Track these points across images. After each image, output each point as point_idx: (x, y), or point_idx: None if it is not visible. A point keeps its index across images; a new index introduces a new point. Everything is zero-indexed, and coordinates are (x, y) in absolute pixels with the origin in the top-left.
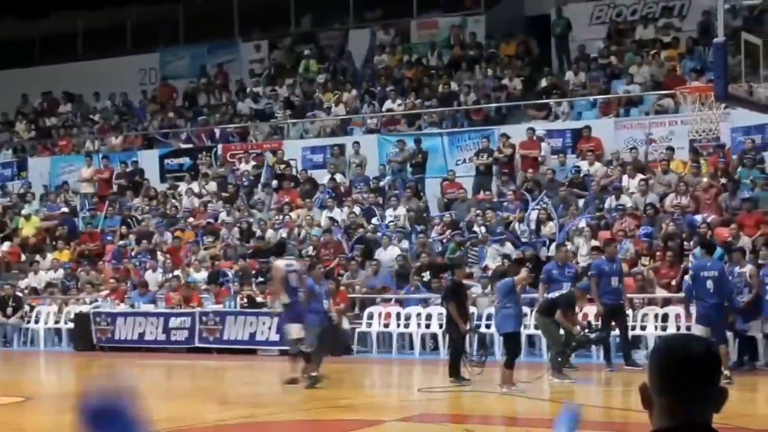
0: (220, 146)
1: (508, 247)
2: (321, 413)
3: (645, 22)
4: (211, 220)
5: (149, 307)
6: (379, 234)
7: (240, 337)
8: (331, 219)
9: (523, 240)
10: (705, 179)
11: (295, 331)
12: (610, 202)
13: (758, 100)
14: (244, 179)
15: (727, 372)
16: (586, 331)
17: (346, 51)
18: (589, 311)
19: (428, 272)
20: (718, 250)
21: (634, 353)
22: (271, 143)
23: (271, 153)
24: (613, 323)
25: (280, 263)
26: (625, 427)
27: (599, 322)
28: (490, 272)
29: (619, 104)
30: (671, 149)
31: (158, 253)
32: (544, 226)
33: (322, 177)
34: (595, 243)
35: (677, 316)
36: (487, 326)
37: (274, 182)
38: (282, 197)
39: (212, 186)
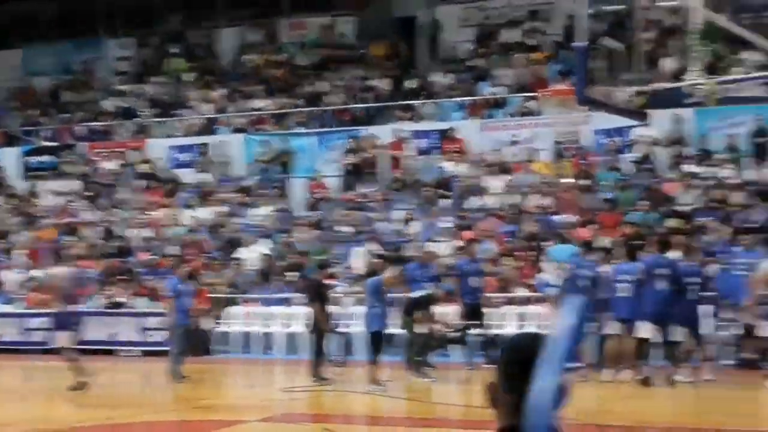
0: (84, 144)
1: (374, 247)
2: (182, 414)
3: (511, 26)
4: (73, 219)
5: (5, 308)
6: (244, 233)
7: (100, 338)
8: (196, 218)
9: (389, 240)
10: (567, 180)
11: (62, 339)
12: (474, 202)
13: (617, 104)
14: (108, 178)
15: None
16: (447, 330)
17: (214, 49)
18: (450, 311)
19: (293, 272)
20: (573, 248)
21: (493, 352)
22: (136, 142)
23: (135, 152)
24: (474, 322)
25: (59, 270)
26: (483, 425)
27: (459, 322)
28: (354, 272)
29: (484, 106)
30: (534, 150)
31: (16, 252)
32: (409, 226)
33: (188, 176)
34: (458, 243)
35: (538, 315)
36: (350, 326)
37: (139, 181)
38: (146, 196)
39: (75, 184)
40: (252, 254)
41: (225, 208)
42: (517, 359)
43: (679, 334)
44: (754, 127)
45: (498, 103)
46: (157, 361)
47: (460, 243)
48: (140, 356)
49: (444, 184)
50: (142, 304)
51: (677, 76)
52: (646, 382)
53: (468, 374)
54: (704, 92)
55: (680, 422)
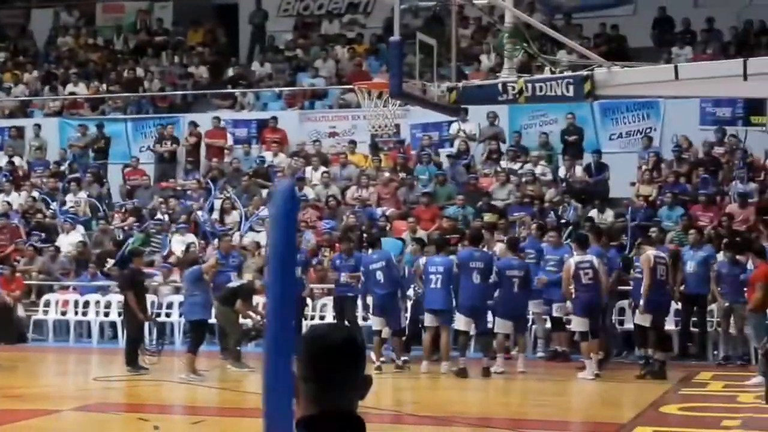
0: None
1: (191, 236)
2: None
3: (331, 17)
4: None
5: None
6: (59, 219)
7: None
8: (8, 203)
9: (207, 229)
10: (386, 173)
11: None
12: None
13: (431, 99)
14: None
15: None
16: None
17: (28, 30)
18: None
19: (108, 260)
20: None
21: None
22: None
23: None
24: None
25: None
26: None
27: None
28: (172, 260)
29: (304, 97)
30: (353, 143)
31: None
32: (227, 215)
33: (0, 159)
34: None
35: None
36: (167, 315)
37: None
38: None
39: None
40: (67, 241)
41: (38, 194)
42: (315, 350)
43: (498, 326)
44: (565, 125)
45: (317, 95)
46: None
47: None
48: None
49: (263, 173)
50: None
51: (493, 72)
52: (462, 373)
53: None
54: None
55: (494, 413)
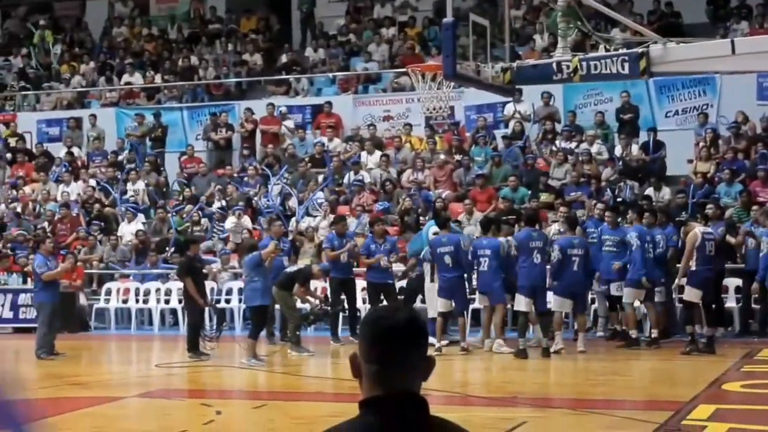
0: None
1: (249, 222)
2: (58, 391)
3: (382, 1)
4: None
5: None
6: (118, 209)
7: None
8: (68, 194)
9: (268, 215)
10: (441, 156)
11: None
12: (349, 177)
13: (485, 79)
14: None
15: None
16: (323, 305)
17: (83, 22)
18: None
19: (168, 247)
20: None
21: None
22: (4, 115)
23: (3, 125)
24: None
25: None
26: (356, 398)
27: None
28: (231, 247)
29: (357, 81)
30: (408, 126)
31: None
32: (287, 200)
33: (59, 150)
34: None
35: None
36: (227, 301)
37: (8, 155)
38: (16, 171)
39: None
40: (127, 230)
41: (97, 184)
42: (378, 331)
43: (556, 304)
44: (620, 104)
45: (371, 79)
46: (31, 338)
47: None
48: (11, 333)
49: (319, 159)
50: (13, 280)
51: (547, 52)
52: (521, 354)
53: (336, 348)
54: (570, 69)
55: (554, 393)
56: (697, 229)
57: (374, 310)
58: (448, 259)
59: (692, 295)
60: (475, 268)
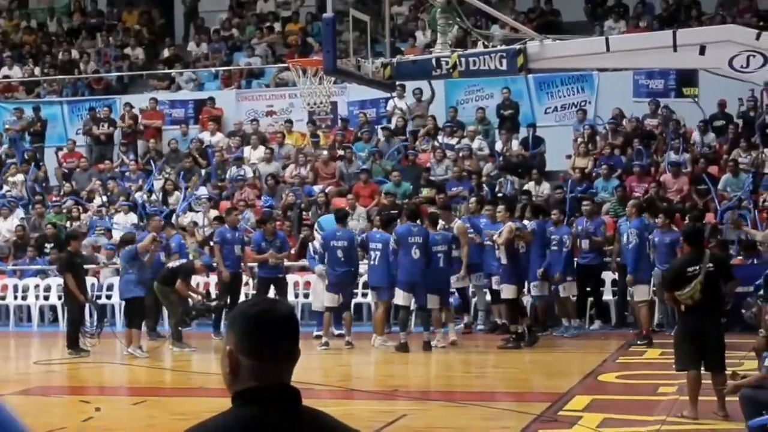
0: None
1: (132, 217)
2: None
3: None
4: None
5: None
6: None
7: None
8: None
9: (150, 210)
10: (324, 151)
11: None
12: (231, 172)
13: (366, 75)
14: None
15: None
16: (205, 300)
17: None
18: (210, 280)
19: (47, 243)
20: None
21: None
22: None
23: None
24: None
25: None
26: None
27: (218, 291)
28: (112, 242)
29: (240, 76)
30: (290, 122)
31: None
32: (170, 195)
33: None
34: (215, 213)
35: (296, 283)
36: (108, 297)
37: None
38: None
39: None
40: (3, 225)
41: None
42: (259, 324)
43: (431, 301)
44: (500, 100)
45: (254, 74)
46: None
47: (218, 213)
48: None
49: (201, 153)
50: None
51: (428, 48)
52: (403, 347)
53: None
54: (448, 65)
55: (435, 386)
56: (511, 223)
57: (247, 303)
58: (340, 254)
59: (509, 291)
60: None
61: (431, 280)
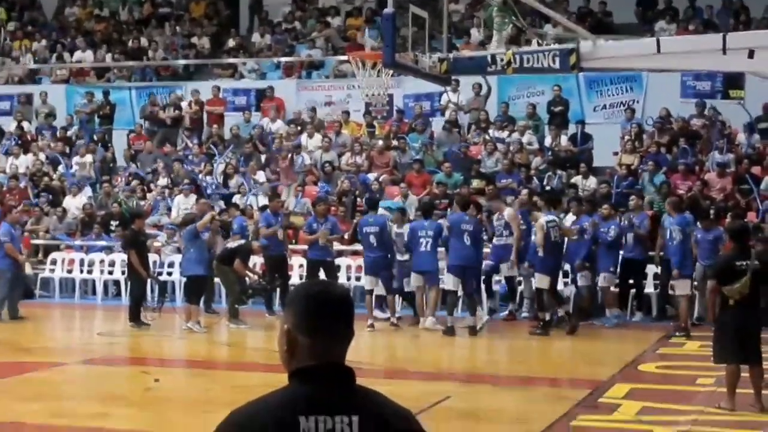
0: None
1: (193, 198)
2: (2, 355)
3: None
4: None
5: None
6: (66, 182)
7: None
8: (17, 166)
9: (210, 192)
10: (379, 141)
11: None
12: (290, 159)
13: (423, 69)
14: None
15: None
16: (261, 279)
17: (36, 1)
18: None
19: (113, 221)
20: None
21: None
22: None
23: None
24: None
25: None
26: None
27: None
28: (174, 221)
29: (301, 67)
30: (347, 112)
31: None
32: (230, 179)
33: (9, 125)
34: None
35: (348, 267)
36: (169, 273)
37: None
38: None
39: None
40: (72, 203)
41: (46, 157)
42: (315, 305)
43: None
44: (551, 97)
45: (314, 65)
46: None
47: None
48: None
49: (261, 140)
50: None
51: (483, 45)
52: (449, 331)
53: (272, 321)
54: (504, 62)
55: (480, 369)
56: (542, 219)
57: (306, 284)
58: (372, 239)
59: (542, 281)
60: (414, 249)
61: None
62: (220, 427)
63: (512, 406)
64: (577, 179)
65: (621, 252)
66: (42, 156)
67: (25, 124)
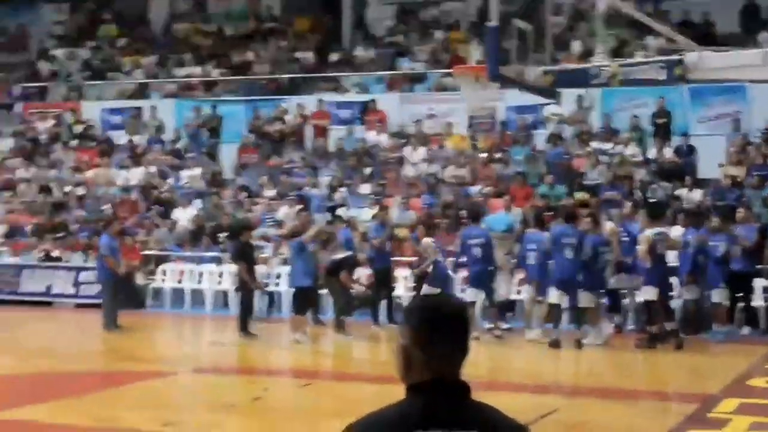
0: (19, 104)
1: (299, 210)
2: (115, 364)
3: (429, 5)
4: (9, 176)
5: None
6: (176, 194)
7: (37, 290)
8: (128, 179)
9: (315, 204)
10: (483, 154)
11: None
12: (394, 172)
13: (527, 82)
14: (43, 137)
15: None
16: (366, 291)
17: (146, 17)
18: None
19: (221, 233)
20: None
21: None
22: (71, 103)
23: (69, 113)
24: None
25: None
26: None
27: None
28: (280, 233)
29: (404, 80)
30: (450, 124)
31: None
32: (335, 191)
33: (121, 138)
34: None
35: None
36: (276, 284)
37: (73, 141)
38: (81, 156)
39: (9, 143)
40: (183, 214)
41: (156, 170)
42: (432, 319)
43: (585, 299)
44: (655, 108)
45: (417, 78)
46: (90, 313)
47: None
48: (73, 308)
49: (365, 153)
50: (76, 258)
51: (585, 57)
52: (555, 344)
53: (376, 332)
54: (609, 74)
55: (584, 383)
56: (649, 232)
57: (422, 299)
58: (477, 251)
59: (649, 292)
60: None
61: (590, 279)
62: None
63: (620, 419)
64: (681, 191)
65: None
66: (152, 169)
67: (135, 138)
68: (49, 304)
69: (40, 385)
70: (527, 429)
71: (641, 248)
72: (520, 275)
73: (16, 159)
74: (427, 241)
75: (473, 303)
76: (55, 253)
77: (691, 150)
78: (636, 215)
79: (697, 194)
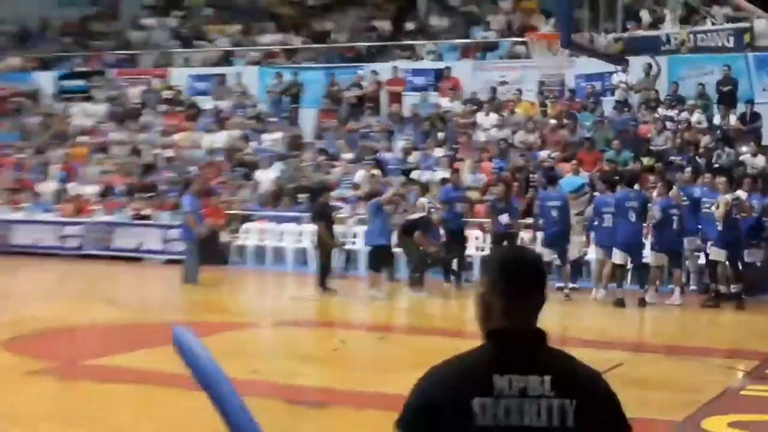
0: (112, 71)
1: (376, 172)
2: (201, 315)
3: None
4: (103, 139)
5: (45, 216)
6: (258, 157)
7: (128, 246)
8: (213, 142)
9: (390, 167)
10: (552, 120)
11: None
12: (466, 136)
13: (598, 49)
14: (133, 102)
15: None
16: (440, 250)
17: None
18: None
19: (301, 193)
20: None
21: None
22: (160, 70)
23: (158, 79)
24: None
25: None
26: (466, 334)
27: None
28: (358, 194)
29: (477, 48)
30: (521, 91)
31: (52, 166)
32: (409, 155)
33: (206, 103)
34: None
35: (521, 239)
36: (353, 243)
37: (162, 106)
38: (169, 120)
39: (103, 107)
40: (265, 176)
41: (240, 133)
42: (512, 269)
43: (655, 259)
44: (720, 76)
45: (489, 47)
46: (177, 269)
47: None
48: (162, 264)
49: (439, 118)
50: (165, 217)
51: (654, 25)
52: (619, 303)
53: (448, 289)
54: (678, 41)
55: (648, 340)
56: (728, 195)
57: (501, 250)
58: (555, 213)
59: (718, 254)
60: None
61: (663, 240)
62: (420, 381)
63: (681, 375)
64: (745, 157)
65: None
66: (236, 133)
67: (220, 103)
68: (138, 260)
69: (134, 333)
70: (600, 375)
71: (719, 211)
72: (587, 237)
73: (109, 123)
74: (421, 201)
75: (548, 263)
76: (146, 212)
77: (755, 117)
78: (696, 180)
79: (761, 160)
